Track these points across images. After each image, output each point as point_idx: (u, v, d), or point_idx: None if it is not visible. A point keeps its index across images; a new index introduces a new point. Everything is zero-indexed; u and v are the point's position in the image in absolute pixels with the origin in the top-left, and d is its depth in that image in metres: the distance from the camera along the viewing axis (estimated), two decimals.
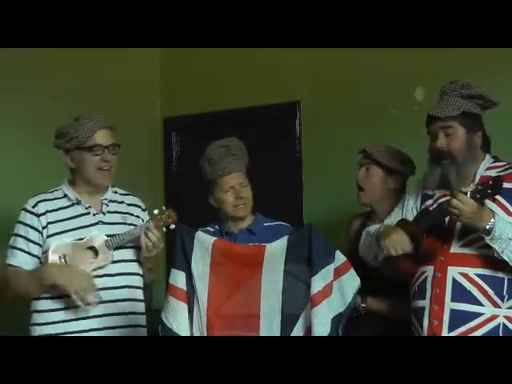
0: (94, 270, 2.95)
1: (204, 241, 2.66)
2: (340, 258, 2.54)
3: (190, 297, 2.62)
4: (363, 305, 3.06)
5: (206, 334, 2.58)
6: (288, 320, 2.52)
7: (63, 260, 2.94)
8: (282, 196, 4.47)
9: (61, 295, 2.93)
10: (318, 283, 2.46)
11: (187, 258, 2.64)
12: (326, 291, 2.46)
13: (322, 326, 2.44)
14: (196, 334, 2.60)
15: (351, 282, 2.55)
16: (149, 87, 5.02)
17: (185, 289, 2.63)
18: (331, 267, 2.49)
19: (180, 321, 2.61)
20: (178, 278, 2.63)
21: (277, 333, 2.52)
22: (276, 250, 2.58)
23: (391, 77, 4.16)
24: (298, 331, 2.51)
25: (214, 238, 2.70)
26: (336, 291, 2.49)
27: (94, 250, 2.96)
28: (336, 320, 2.48)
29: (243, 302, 2.58)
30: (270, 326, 2.53)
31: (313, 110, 4.47)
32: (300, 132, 4.56)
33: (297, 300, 2.52)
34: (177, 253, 2.66)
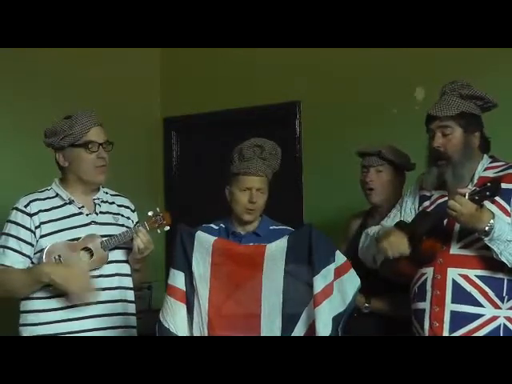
0: (90, 271, 2.94)
1: (204, 241, 2.66)
2: (340, 258, 2.54)
3: (189, 297, 2.62)
4: (367, 304, 3.08)
5: (206, 334, 2.57)
6: (289, 320, 2.52)
7: (59, 261, 2.91)
8: (282, 196, 4.47)
9: (52, 295, 2.92)
10: (319, 283, 2.46)
11: (187, 258, 2.63)
12: (327, 291, 2.46)
13: (325, 326, 2.44)
14: (197, 334, 2.59)
15: (352, 282, 2.54)
16: (149, 87, 5.02)
17: (184, 289, 2.62)
18: (332, 267, 2.49)
19: (178, 321, 2.61)
20: (177, 279, 2.63)
21: (278, 333, 2.51)
22: (276, 250, 2.58)
23: (391, 77, 4.16)
24: (298, 331, 2.51)
25: (214, 238, 2.69)
26: (336, 291, 2.49)
27: (90, 251, 2.95)
28: (336, 320, 2.48)
29: (244, 302, 2.58)
30: (270, 326, 2.53)
31: (313, 110, 4.47)
32: (300, 132, 4.56)
33: (297, 300, 2.52)
34: (177, 253, 2.66)
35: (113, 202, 3.13)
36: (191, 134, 5.00)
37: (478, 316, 2.66)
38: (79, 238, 2.96)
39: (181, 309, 2.62)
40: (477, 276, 2.68)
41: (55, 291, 2.91)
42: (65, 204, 3.02)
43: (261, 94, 4.62)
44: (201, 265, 2.62)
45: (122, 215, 3.12)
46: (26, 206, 2.98)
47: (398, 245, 2.76)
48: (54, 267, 2.89)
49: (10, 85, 4.10)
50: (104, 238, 2.97)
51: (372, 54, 3.97)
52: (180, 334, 2.59)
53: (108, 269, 2.99)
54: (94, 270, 2.95)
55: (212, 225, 3.06)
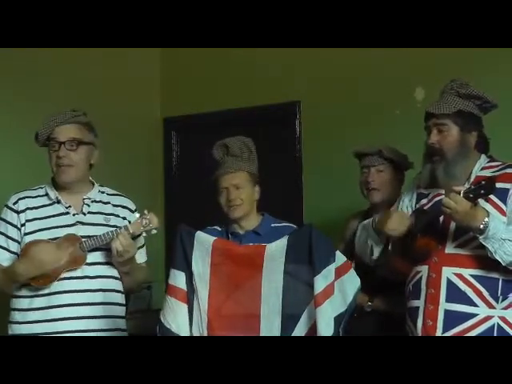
0: (67, 271, 2.91)
1: (204, 241, 2.65)
2: (340, 258, 2.54)
3: (189, 297, 2.62)
4: (370, 303, 3.08)
5: (205, 334, 2.57)
6: (288, 320, 2.51)
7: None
8: (282, 196, 4.47)
9: (37, 295, 2.90)
10: (319, 283, 2.45)
11: (187, 258, 2.63)
12: (328, 291, 2.45)
13: (327, 326, 2.43)
14: (196, 334, 2.59)
15: (352, 282, 2.54)
16: (149, 87, 5.02)
17: (185, 289, 2.61)
18: (332, 267, 2.48)
19: (180, 321, 2.60)
20: (178, 279, 2.62)
21: (277, 333, 2.50)
22: (276, 250, 2.57)
23: (391, 77, 4.16)
24: (299, 331, 2.50)
25: (214, 238, 2.69)
26: (337, 291, 2.48)
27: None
28: (337, 320, 2.48)
29: (243, 302, 2.57)
30: (270, 326, 2.52)
31: (313, 110, 4.47)
32: (300, 132, 4.57)
33: (297, 300, 2.51)
34: (176, 253, 2.65)
35: (108, 202, 3.08)
36: (191, 134, 5.00)
37: (472, 315, 2.66)
38: None
39: (182, 309, 2.61)
40: (472, 275, 2.68)
41: (40, 290, 2.89)
42: (53, 203, 3.01)
43: (261, 94, 4.62)
44: (200, 265, 2.61)
45: (118, 215, 3.06)
46: (14, 204, 2.99)
47: (398, 221, 2.75)
48: (26, 265, 2.88)
49: (10, 85, 4.10)
50: (84, 239, 2.92)
51: (372, 54, 3.98)
52: (182, 334, 2.58)
53: (90, 270, 2.94)
54: (71, 270, 2.91)
55: (216, 227, 3.08)
